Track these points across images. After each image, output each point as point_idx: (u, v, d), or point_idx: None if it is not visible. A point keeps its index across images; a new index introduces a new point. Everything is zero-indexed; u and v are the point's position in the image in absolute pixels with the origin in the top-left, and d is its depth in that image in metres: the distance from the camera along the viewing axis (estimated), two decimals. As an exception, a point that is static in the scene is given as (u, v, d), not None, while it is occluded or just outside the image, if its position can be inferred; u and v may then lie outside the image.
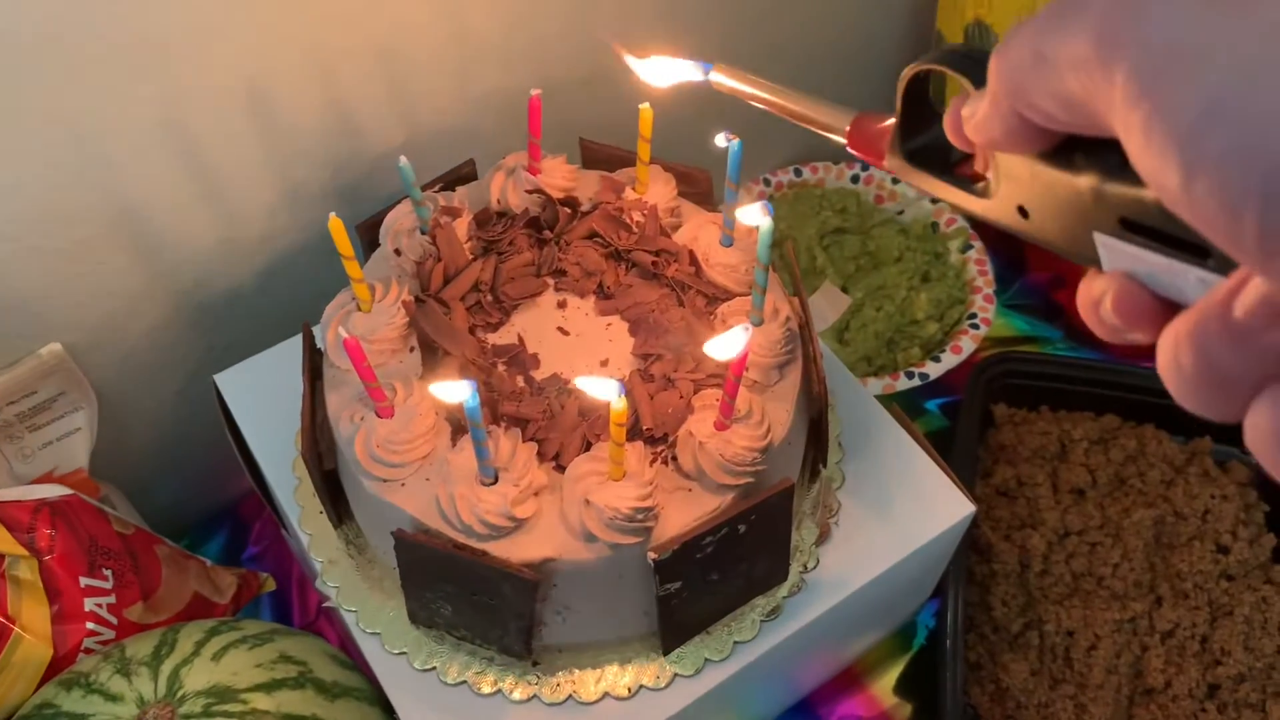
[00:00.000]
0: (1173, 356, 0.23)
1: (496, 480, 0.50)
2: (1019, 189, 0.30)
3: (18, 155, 0.55)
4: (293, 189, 0.67)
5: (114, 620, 0.59)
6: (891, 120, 0.36)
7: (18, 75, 0.52)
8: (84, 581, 0.58)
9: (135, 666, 0.51)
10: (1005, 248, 0.95)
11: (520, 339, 0.56)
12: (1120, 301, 0.26)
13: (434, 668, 0.55)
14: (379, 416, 0.51)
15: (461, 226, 0.59)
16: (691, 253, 0.59)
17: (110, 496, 0.69)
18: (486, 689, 0.55)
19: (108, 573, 0.59)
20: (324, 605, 0.58)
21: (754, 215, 0.50)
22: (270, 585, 0.71)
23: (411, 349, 0.56)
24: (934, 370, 0.82)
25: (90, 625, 0.58)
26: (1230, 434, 0.80)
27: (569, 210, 0.60)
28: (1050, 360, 0.84)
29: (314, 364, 0.56)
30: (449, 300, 0.57)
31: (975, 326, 0.85)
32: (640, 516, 0.48)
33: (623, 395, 0.45)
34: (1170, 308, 0.25)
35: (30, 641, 0.56)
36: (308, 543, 0.59)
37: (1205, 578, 0.74)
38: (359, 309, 0.55)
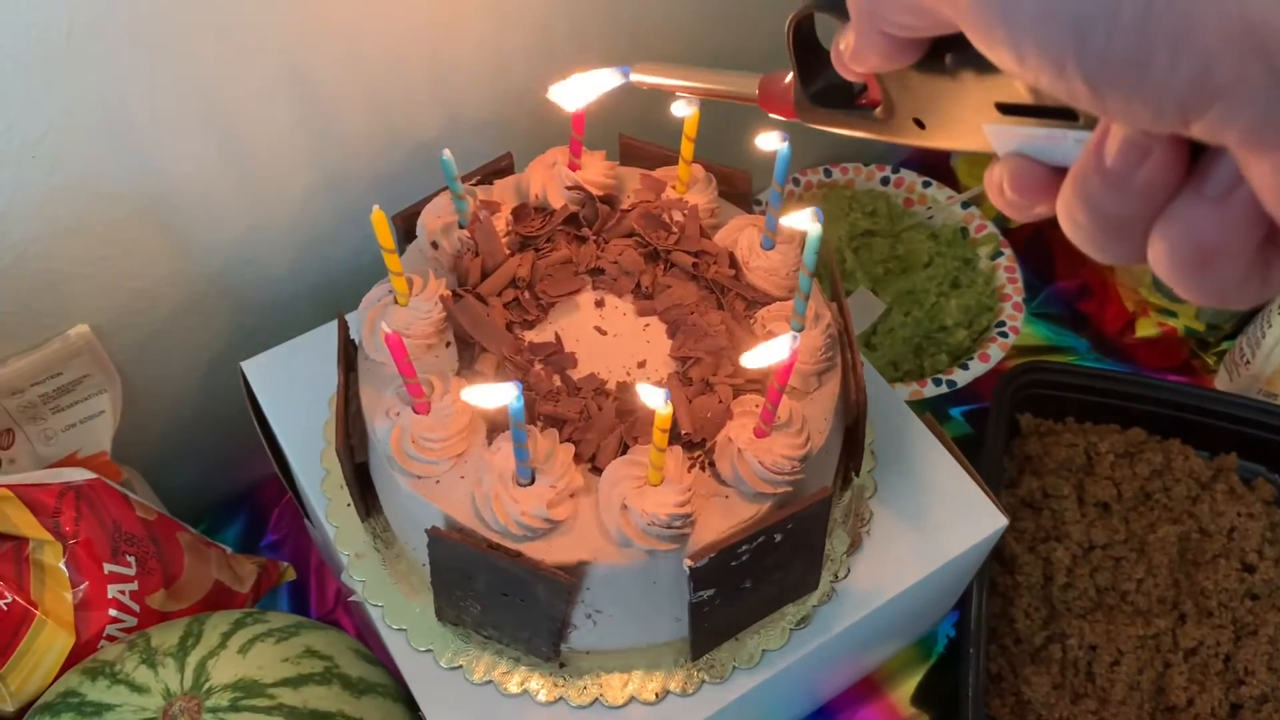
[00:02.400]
0: (1069, 214, 0.26)
1: (533, 481, 0.49)
2: (909, 103, 0.33)
3: (57, 138, 0.55)
4: (327, 176, 0.66)
5: (136, 607, 0.59)
6: (790, 74, 0.38)
7: (59, 60, 0.52)
8: (107, 568, 0.58)
9: (161, 657, 0.51)
10: (1034, 256, 0.95)
11: (558, 337, 0.56)
12: (1015, 179, 0.29)
13: (460, 666, 0.55)
14: (416, 412, 0.51)
15: (500, 221, 0.58)
16: (732, 255, 0.58)
17: (131, 480, 0.69)
18: (513, 689, 0.54)
19: (131, 559, 0.59)
20: (350, 599, 0.58)
21: (803, 221, 0.49)
22: (290, 575, 0.71)
23: (448, 344, 0.55)
24: (961, 378, 0.81)
25: (112, 612, 0.57)
26: (1258, 452, 0.80)
27: (608, 208, 0.59)
28: (1077, 371, 0.83)
29: (348, 356, 0.56)
30: (486, 296, 0.56)
31: (1004, 335, 0.84)
32: (678, 523, 0.48)
33: (668, 402, 0.44)
34: (1059, 175, 0.27)
35: (53, 627, 0.56)
36: (334, 535, 0.58)
37: (1230, 596, 0.73)
38: (396, 302, 0.55)
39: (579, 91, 0.51)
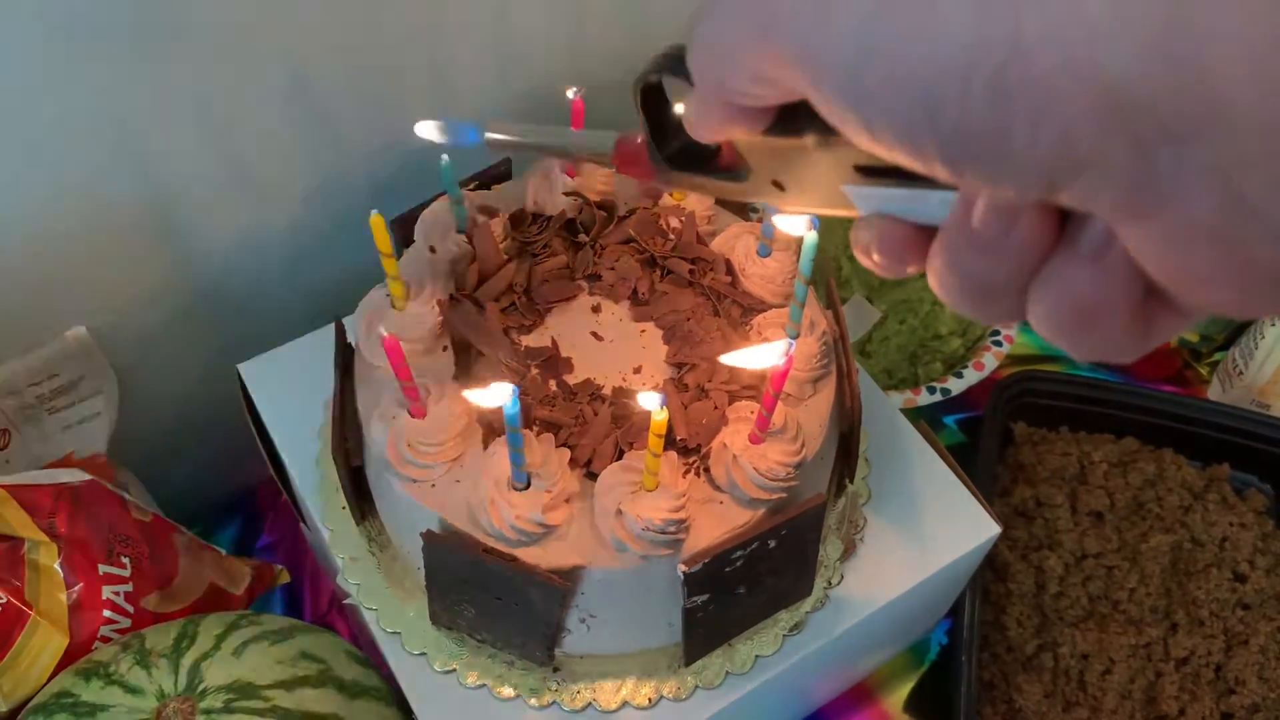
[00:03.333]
0: (940, 279, 0.25)
1: (528, 485, 0.49)
2: (766, 166, 0.32)
3: (56, 140, 0.55)
4: (325, 180, 0.66)
5: (130, 609, 0.59)
6: (643, 136, 0.36)
7: (59, 63, 0.52)
8: (102, 569, 0.58)
9: (155, 659, 0.51)
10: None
11: (554, 342, 0.56)
12: (883, 242, 0.28)
13: (454, 670, 0.55)
14: (412, 416, 0.51)
15: (497, 227, 0.58)
16: (728, 262, 0.58)
17: (127, 482, 0.69)
18: (506, 693, 0.54)
19: (126, 560, 0.59)
20: (344, 602, 0.58)
21: (798, 227, 0.49)
22: (285, 578, 0.71)
23: (444, 348, 0.55)
24: (955, 386, 0.82)
25: (107, 613, 0.57)
26: (1249, 462, 0.81)
27: (605, 214, 0.60)
28: (1071, 380, 0.84)
29: (345, 359, 0.56)
30: (483, 300, 0.56)
31: (998, 344, 0.84)
32: (672, 529, 0.48)
33: (664, 407, 0.44)
34: (931, 233, 0.26)
35: (47, 628, 0.55)
36: (329, 538, 0.59)
37: (1221, 606, 0.74)
38: (393, 306, 0.55)
39: (433, 135, 0.48)
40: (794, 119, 0.28)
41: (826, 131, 0.27)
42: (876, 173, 0.27)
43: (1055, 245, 0.23)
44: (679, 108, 0.33)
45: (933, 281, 0.25)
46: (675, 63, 0.31)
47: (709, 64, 0.28)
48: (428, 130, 0.49)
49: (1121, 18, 0.18)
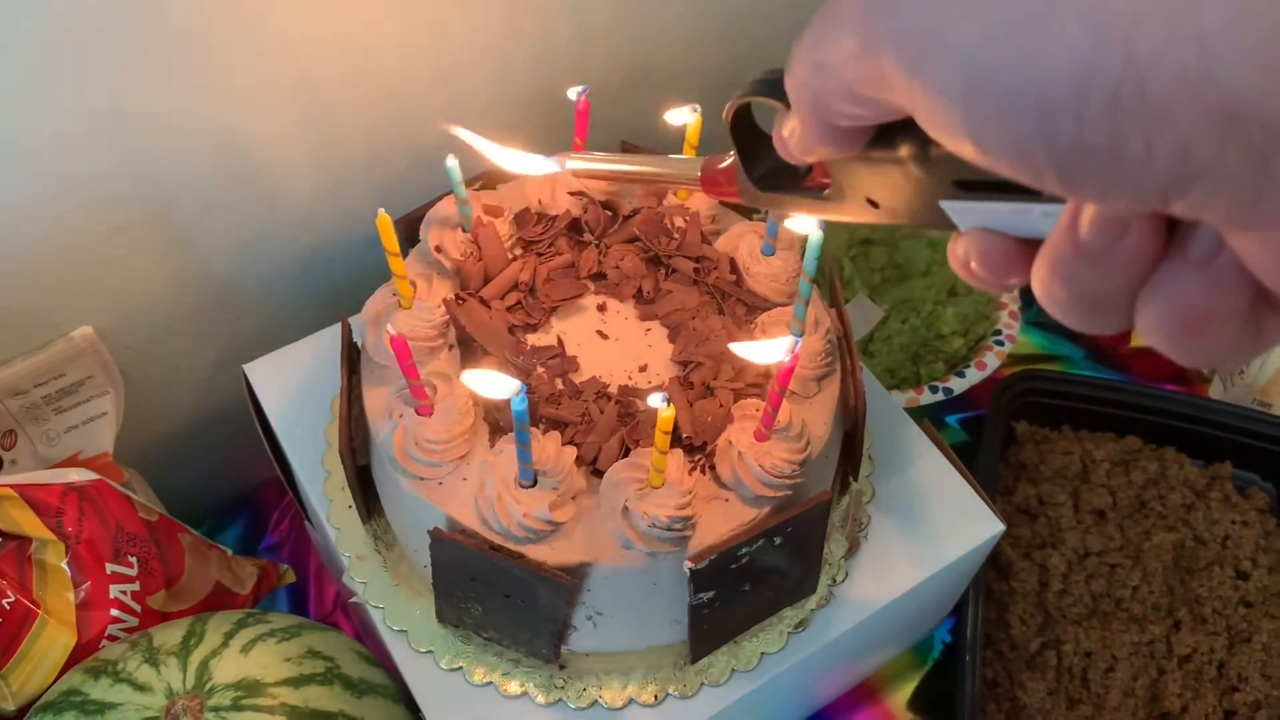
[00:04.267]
0: (1046, 292, 0.25)
1: (535, 483, 0.49)
2: (861, 184, 0.32)
3: (64, 140, 0.55)
4: (331, 181, 0.67)
5: (137, 608, 0.59)
6: (732, 158, 0.37)
7: (66, 63, 0.52)
8: (109, 568, 0.58)
9: (164, 656, 0.51)
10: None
11: (560, 341, 0.56)
12: (984, 256, 0.28)
13: (460, 668, 0.55)
14: (419, 414, 0.51)
15: (502, 226, 0.59)
16: (732, 260, 0.58)
17: (132, 481, 0.69)
18: (513, 691, 0.54)
19: (133, 559, 0.59)
20: (350, 601, 0.58)
21: (806, 225, 0.50)
22: (290, 577, 0.71)
23: (450, 347, 0.55)
24: (958, 385, 0.82)
25: (114, 612, 0.58)
26: (1251, 460, 0.81)
27: (610, 213, 0.60)
28: (1073, 380, 0.84)
29: (351, 358, 0.56)
30: (489, 299, 0.56)
31: (1000, 343, 0.84)
32: (679, 526, 0.48)
33: (670, 404, 0.45)
34: (1032, 246, 0.26)
35: (55, 626, 0.56)
36: (335, 537, 0.59)
37: (1224, 603, 0.74)
38: (399, 305, 0.55)
39: (515, 164, 0.51)
40: (890, 137, 0.28)
41: (925, 148, 0.28)
42: (977, 187, 0.27)
43: (1164, 253, 0.23)
44: (775, 129, 0.33)
45: (1040, 294, 0.25)
46: (768, 86, 0.32)
47: (811, 84, 0.28)
48: (495, 153, 0.51)
49: (1237, 33, 0.18)
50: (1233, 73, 0.18)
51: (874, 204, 0.32)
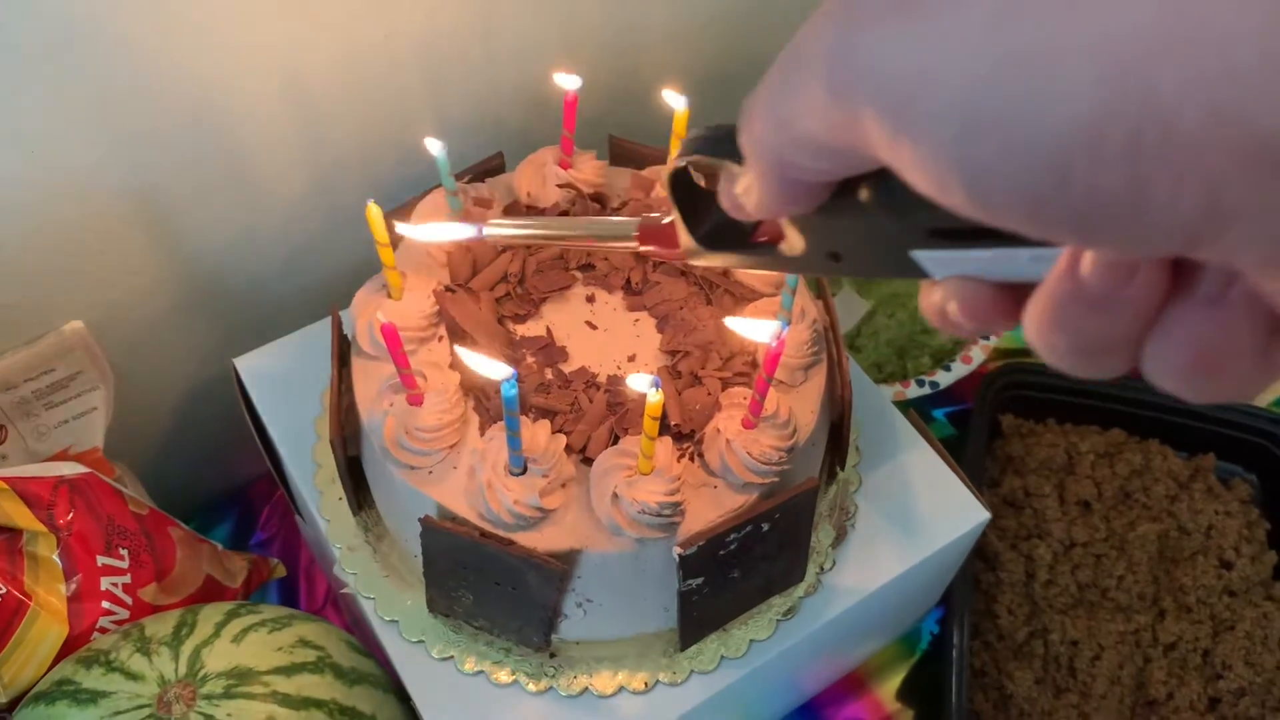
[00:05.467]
0: (1045, 341, 0.23)
1: (524, 471, 0.50)
2: (822, 239, 0.30)
3: (53, 135, 0.55)
4: (320, 176, 0.67)
5: (129, 600, 0.59)
6: (673, 218, 0.35)
7: (55, 54, 0.52)
8: (101, 560, 0.58)
9: (156, 646, 0.51)
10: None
11: (549, 332, 0.56)
12: (965, 305, 0.26)
13: (451, 657, 0.55)
14: (409, 404, 0.51)
15: (491, 218, 0.59)
16: (720, 252, 0.59)
17: (123, 476, 0.69)
18: (503, 679, 0.55)
19: (124, 552, 0.59)
20: (341, 592, 0.58)
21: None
22: (281, 571, 0.71)
23: (440, 338, 0.56)
24: (944, 379, 0.83)
25: (106, 604, 0.58)
26: (1234, 452, 0.82)
27: (598, 206, 0.60)
28: (1058, 373, 0.84)
29: (342, 350, 0.57)
30: (478, 291, 0.57)
31: (986, 337, 0.85)
32: (668, 512, 0.49)
33: (658, 389, 0.45)
34: (1015, 290, 0.25)
35: (46, 618, 0.56)
36: (325, 529, 0.59)
37: (1208, 592, 0.75)
38: (389, 296, 0.55)
39: (428, 233, 0.50)
40: (855, 185, 0.26)
41: (896, 199, 0.25)
42: (955, 235, 0.25)
43: (1170, 293, 0.22)
44: (721, 182, 0.31)
45: (1036, 342, 0.24)
46: (714, 144, 0.30)
47: (772, 141, 0.25)
48: (419, 233, 0.49)
49: (1275, 67, 0.17)
50: (1274, 112, 0.17)
51: (836, 257, 0.30)
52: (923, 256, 0.26)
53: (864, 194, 0.26)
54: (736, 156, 0.28)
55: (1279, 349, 0.22)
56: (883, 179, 0.24)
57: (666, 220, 0.36)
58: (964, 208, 0.21)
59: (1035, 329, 0.23)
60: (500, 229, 0.43)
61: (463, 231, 0.47)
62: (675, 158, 0.32)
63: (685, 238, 0.35)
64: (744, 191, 0.28)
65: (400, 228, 0.50)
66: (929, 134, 0.21)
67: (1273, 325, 0.21)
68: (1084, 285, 0.22)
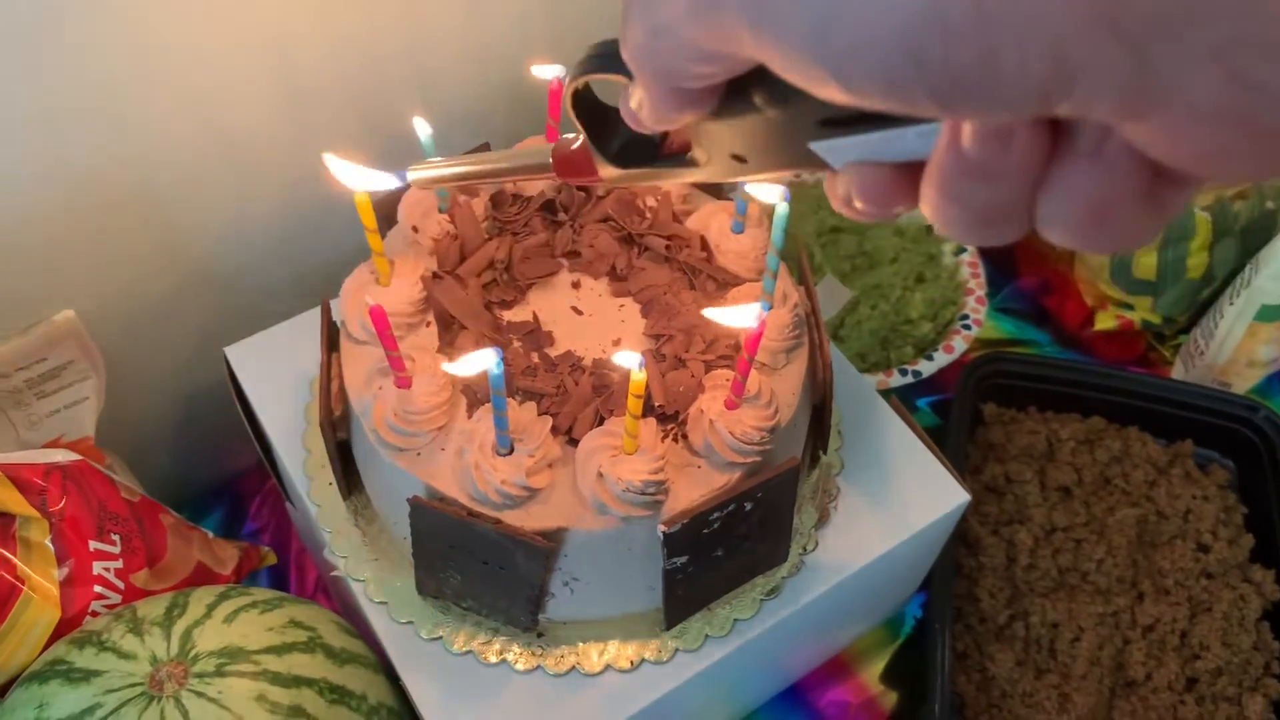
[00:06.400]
0: (939, 213, 0.24)
1: (511, 451, 0.51)
2: (722, 142, 0.30)
3: (44, 124, 0.56)
4: (309, 165, 0.67)
5: (121, 585, 0.60)
6: (581, 138, 0.35)
7: (45, 40, 0.53)
8: (93, 545, 0.59)
9: (148, 626, 0.52)
10: (997, 254, 0.98)
11: (535, 317, 0.57)
12: (866, 191, 0.27)
13: (440, 637, 0.56)
14: (398, 387, 0.52)
15: (478, 207, 0.60)
16: (703, 238, 0.60)
17: (114, 465, 0.70)
18: (492, 658, 0.56)
19: (116, 537, 0.60)
20: (331, 575, 0.59)
21: (772, 194, 0.51)
22: (271, 559, 0.72)
23: (428, 324, 0.57)
24: (926, 369, 0.84)
25: (98, 589, 0.58)
26: (1212, 439, 0.83)
27: (584, 194, 0.61)
28: (1039, 362, 0.86)
29: (331, 336, 0.57)
30: (465, 277, 0.58)
31: (967, 327, 0.86)
32: (652, 490, 0.50)
33: (642, 367, 0.46)
34: (914, 169, 0.26)
35: (39, 603, 0.56)
36: (316, 514, 0.60)
37: (1186, 575, 0.76)
38: (377, 283, 0.56)
39: (352, 178, 0.50)
40: (744, 88, 0.27)
41: (783, 95, 0.26)
42: (844, 122, 0.26)
43: (1052, 152, 0.23)
44: (621, 102, 0.32)
45: (932, 216, 0.25)
46: (604, 61, 0.31)
47: (651, 50, 0.26)
48: (345, 174, 0.50)
49: None
50: None
51: (740, 159, 0.31)
52: (819, 148, 0.27)
53: (753, 93, 0.27)
54: (625, 73, 0.29)
55: (1164, 191, 0.22)
56: (767, 77, 0.24)
57: (577, 144, 0.36)
58: (835, 95, 0.22)
59: (929, 204, 0.24)
60: (422, 172, 0.44)
61: (386, 180, 0.48)
62: (571, 78, 0.33)
63: (598, 158, 0.36)
64: (637, 105, 0.29)
65: (329, 160, 0.51)
66: (789, 30, 0.22)
67: (1154, 170, 0.22)
68: (966, 156, 0.23)
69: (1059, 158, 0.23)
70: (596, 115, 0.35)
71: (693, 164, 0.33)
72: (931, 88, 0.21)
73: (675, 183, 0.35)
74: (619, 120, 0.32)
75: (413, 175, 0.46)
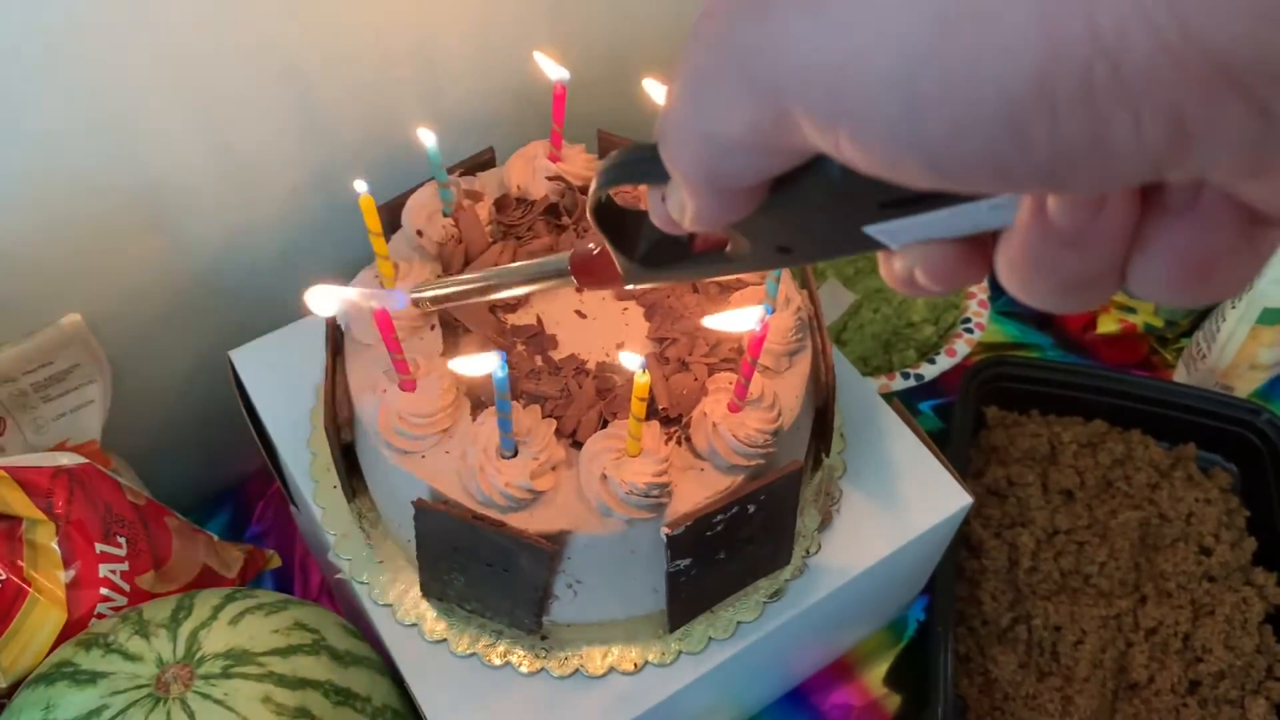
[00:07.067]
0: (1024, 287, 0.23)
1: (516, 453, 0.51)
2: (768, 235, 0.29)
3: (52, 131, 0.56)
4: (314, 169, 0.68)
5: (126, 587, 0.60)
6: (601, 248, 0.34)
7: (56, 55, 0.54)
8: (99, 548, 0.59)
9: (154, 628, 0.52)
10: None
11: (539, 320, 0.58)
12: (931, 268, 0.26)
13: (444, 639, 0.56)
14: (402, 390, 0.53)
15: (482, 211, 0.60)
16: (706, 243, 0.60)
17: (120, 469, 0.70)
18: (496, 661, 0.56)
19: (122, 540, 0.60)
20: (336, 578, 0.59)
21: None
22: (276, 562, 0.72)
23: (432, 327, 0.57)
24: (929, 372, 0.84)
25: (104, 591, 0.59)
26: (1214, 442, 0.83)
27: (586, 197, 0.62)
28: (1041, 365, 0.86)
29: (336, 340, 0.58)
30: (469, 281, 0.58)
31: (970, 330, 0.87)
32: (655, 492, 0.50)
33: (646, 369, 0.46)
34: (978, 242, 0.25)
35: (45, 605, 0.57)
36: (320, 517, 0.60)
37: (1188, 578, 0.76)
38: (382, 286, 0.56)
39: (324, 302, 0.49)
40: (793, 179, 0.25)
41: (843, 182, 0.24)
42: (907, 202, 0.24)
43: (1142, 213, 0.21)
44: (648, 204, 0.30)
45: (1015, 288, 0.23)
46: (633, 170, 0.29)
47: (698, 156, 0.25)
48: (332, 300, 0.48)
49: None
50: (1222, 26, 0.17)
51: (785, 250, 0.29)
52: (876, 230, 0.26)
53: (804, 183, 0.25)
54: (660, 176, 0.27)
55: (1261, 235, 0.21)
56: (822, 164, 0.23)
57: (597, 251, 0.35)
58: (921, 181, 0.21)
59: (1016, 277, 0.23)
60: (431, 291, 0.42)
61: (393, 300, 0.47)
62: (594, 189, 0.31)
63: (622, 262, 0.34)
64: (679, 208, 0.27)
65: (311, 299, 0.48)
66: (872, 119, 0.20)
67: (1250, 214, 0.21)
68: (1055, 226, 0.22)
69: (1152, 217, 0.21)
70: (618, 220, 0.33)
71: (729, 260, 0.31)
72: (1037, 165, 0.19)
73: (704, 278, 0.34)
74: (642, 221, 0.31)
75: (419, 295, 0.44)
